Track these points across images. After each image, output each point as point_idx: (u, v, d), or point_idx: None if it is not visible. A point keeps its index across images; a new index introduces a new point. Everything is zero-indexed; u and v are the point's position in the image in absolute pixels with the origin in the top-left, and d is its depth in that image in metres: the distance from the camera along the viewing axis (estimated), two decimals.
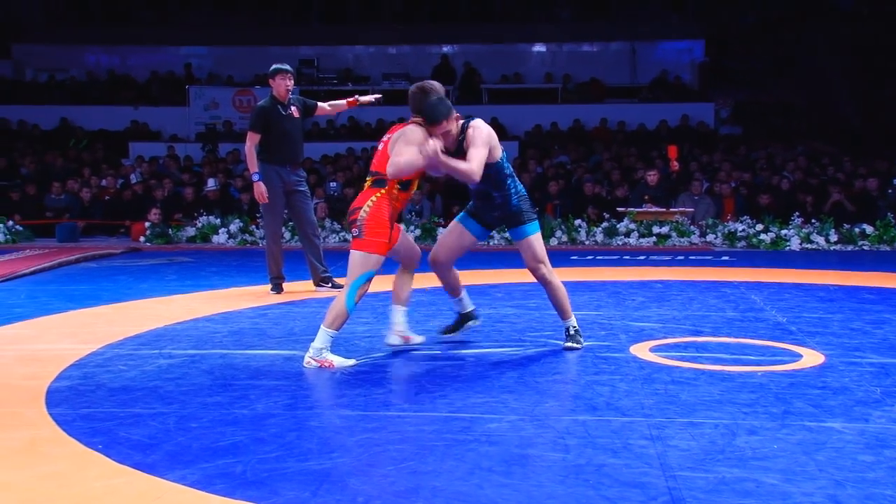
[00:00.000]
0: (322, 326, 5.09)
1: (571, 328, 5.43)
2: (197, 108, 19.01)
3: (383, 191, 5.10)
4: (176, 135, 18.67)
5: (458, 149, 5.01)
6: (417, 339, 5.56)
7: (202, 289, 8.22)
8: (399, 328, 5.46)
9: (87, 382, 4.71)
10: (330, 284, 8.01)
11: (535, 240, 5.28)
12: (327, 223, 13.14)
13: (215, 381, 4.75)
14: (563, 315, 5.43)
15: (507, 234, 12.15)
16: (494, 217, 5.35)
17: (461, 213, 5.46)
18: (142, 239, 12.93)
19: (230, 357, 5.31)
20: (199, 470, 3.36)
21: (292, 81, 7.79)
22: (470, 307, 5.73)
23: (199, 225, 13.03)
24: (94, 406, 4.26)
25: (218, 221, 13.04)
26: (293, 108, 7.81)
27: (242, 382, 4.70)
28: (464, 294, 5.69)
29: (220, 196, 14.12)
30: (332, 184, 14.64)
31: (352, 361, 5.16)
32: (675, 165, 13.01)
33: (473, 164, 4.92)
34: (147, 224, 13.05)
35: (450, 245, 5.40)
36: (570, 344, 5.38)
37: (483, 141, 5.00)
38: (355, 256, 5.12)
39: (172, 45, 21.19)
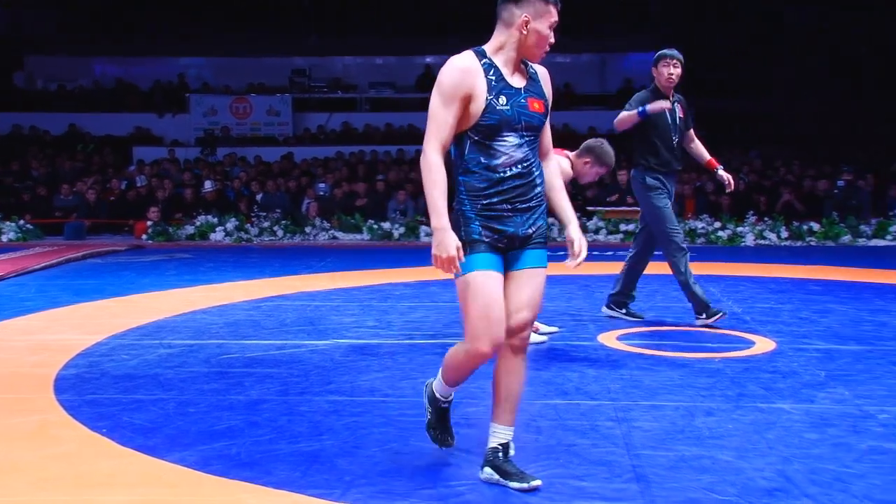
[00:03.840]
0: None
1: (512, 445, 3.09)
2: (196, 115, 18.91)
3: None
4: (177, 140, 18.56)
5: (531, 86, 2.99)
6: (547, 328, 5.52)
7: (200, 283, 8.17)
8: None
9: (93, 370, 4.68)
10: (623, 311, 6.22)
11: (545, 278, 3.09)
12: (317, 222, 13.11)
13: (212, 369, 4.72)
14: (511, 417, 3.09)
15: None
16: (524, 234, 2.99)
17: (484, 258, 2.94)
18: (144, 237, 12.83)
19: (226, 347, 5.28)
20: (196, 452, 3.35)
21: (679, 70, 5.73)
22: None
23: (198, 224, 12.96)
24: (99, 392, 4.23)
25: (215, 220, 12.97)
26: (678, 105, 5.88)
27: (237, 370, 4.68)
28: None
29: (216, 197, 14.04)
30: (321, 185, 14.59)
31: (543, 339, 5.32)
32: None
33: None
34: (149, 223, 12.96)
35: (493, 313, 2.95)
36: (517, 484, 2.96)
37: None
38: None
39: (174, 56, 21.04)
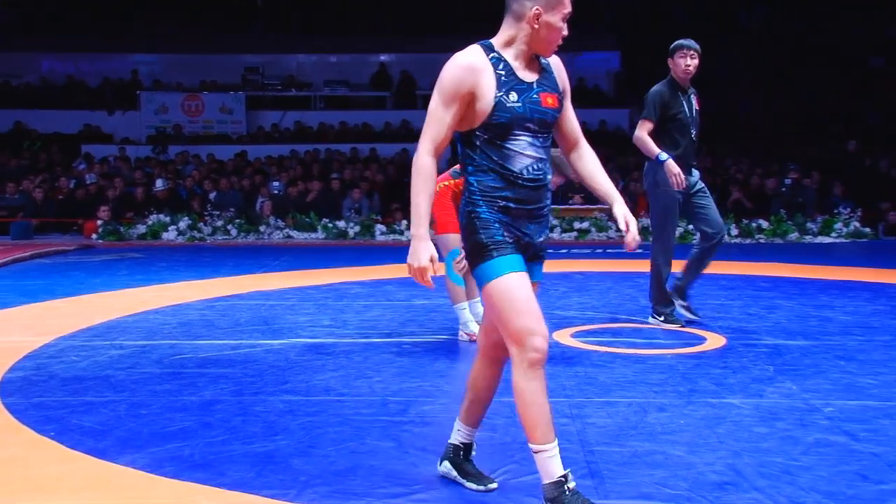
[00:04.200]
0: (453, 306, 5.35)
1: (474, 446, 3.06)
2: (147, 113, 18.61)
3: (453, 182, 5.30)
4: (128, 137, 18.24)
5: (544, 79, 2.82)
6: None
7: (152, 283, 8.05)
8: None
9: (40, 373, 4.57)
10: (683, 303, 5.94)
11: None
12: (271, 220, 13.00)
13: (165, 369, 4.65)
14: (478, 420, 3.06)
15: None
16: (537, 243, 2.82)
17: (514, 260, 2.71)
18: (94, 236, 12.60)
19: (179, 347, 5.21)
20: (148, 454, 3.29)
21: (696, 61, 5.58)
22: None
23: (150, 223, 12.77)
24: (46, 395, 4.14)
25: (168, 219, 12.78)
26: (694, 97, 5.73)
27: (191, 371, 4.61)
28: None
29: (168, 195, 13.85)
30: (274, 183, 14.47)
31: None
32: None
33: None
34: (99, 222, 12.73)
35: (535, 310, 2.71)
36: (474, 486, 2.97)
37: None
38: (437, 241, 5.34)
39: (124, 52, 20.66)
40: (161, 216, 12.82)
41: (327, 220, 12.87)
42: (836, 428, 3.55)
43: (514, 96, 2.70)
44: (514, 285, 2.66)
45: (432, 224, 5.36)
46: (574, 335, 5.50)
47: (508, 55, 2.74)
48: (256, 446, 3.38)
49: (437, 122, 2.69)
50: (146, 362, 4.81)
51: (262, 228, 12.84)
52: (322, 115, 19.12)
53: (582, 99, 19.74)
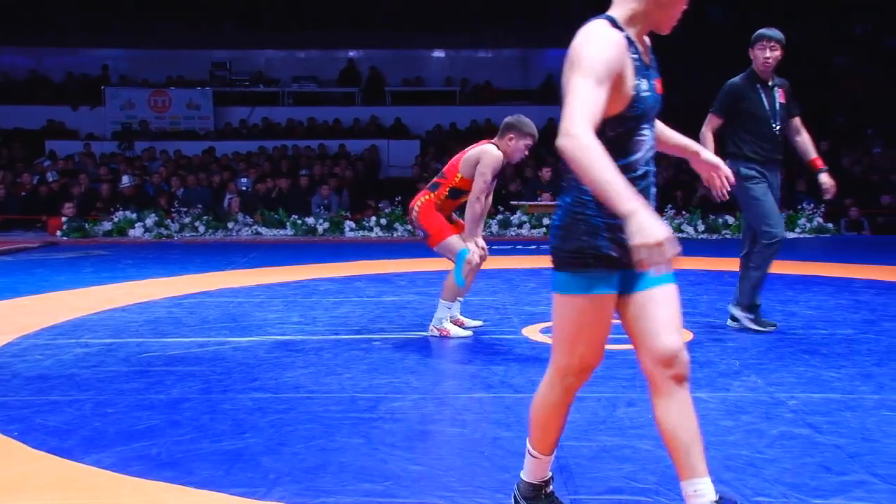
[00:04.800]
0: (440, 300, 5.33)
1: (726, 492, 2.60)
2: (113, 108, 18.37)
3: (433, 195, 5.32)
4: (93, 133, 18.00)
5: (653, 62, 2.48)
6: (472, 322, 5.65)
7: (119, 280, 7.95)
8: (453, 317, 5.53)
9: (3, 372, 4.50)
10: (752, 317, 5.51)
11: None
12: (240, 217, 12.91)
13: (131, 368, 4.60)
14: (704, 463, 2.54)
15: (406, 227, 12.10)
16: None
17: (612, 280, 2.48)
18: (59, 233, 12.42)
19: (146, 345, 5.15)
20: (115, 453, 3.25)
21: (777, 53, 5.31)
22: None
23: (116, 219, 12.61)
24: (9, 395, 4.08)
25: (134, 216, 12.64)
26: (779, 90, 5.41)
27: (158, 369, 4.57)
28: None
29: (135, 192, 13.69)
30: (243, 179, 14.36)
31: (468, 333, 5.37)
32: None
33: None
34: (64, 219, 12.55)
35: (602, 341, 2.65)
36: None
37: None
38: (440, 249, 5.37)
39: (89, 47, 20.39)
40: (127, 213, 12.68)
41: (296, 217, 12.81)
42: (800, 420, 3.60)
43: (645, 84, 2.33)
44: (598, 306, 2.45)
45: (426, 238, 5.34)
46: (543, 331, 5.53)
47: (632, 34, 2.33)
48: (225, 444, 3.36)
49: (592, 100, 2.16)
50: (112, 360, 4.75)
51: (230, 225, 12.75)
52: (290, 111, 19.03)
53: (550, 96, 19.84)
